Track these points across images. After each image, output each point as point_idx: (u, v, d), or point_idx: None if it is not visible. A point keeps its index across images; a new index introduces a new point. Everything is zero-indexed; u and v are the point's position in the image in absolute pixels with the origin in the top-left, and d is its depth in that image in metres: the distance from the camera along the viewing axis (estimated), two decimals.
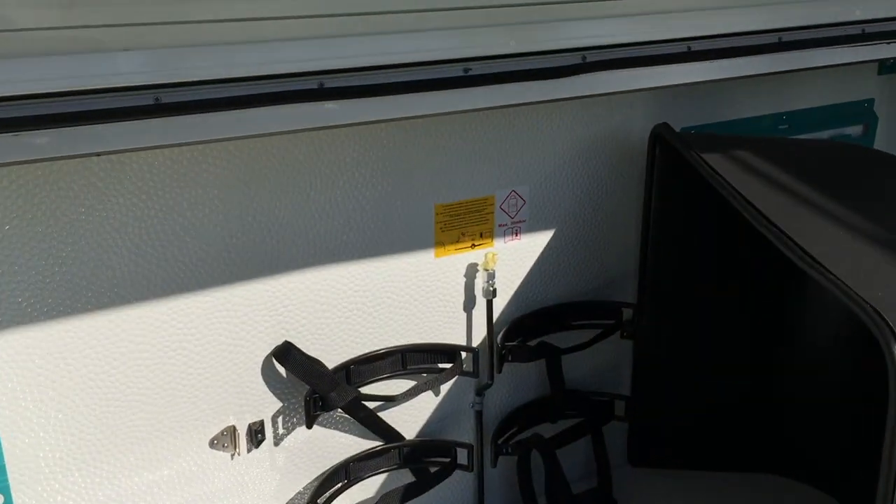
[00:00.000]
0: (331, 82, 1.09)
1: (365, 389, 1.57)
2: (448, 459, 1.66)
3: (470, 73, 1.23)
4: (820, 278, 1.08)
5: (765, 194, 1.36)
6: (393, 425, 1.64)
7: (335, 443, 1.59)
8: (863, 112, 2.07)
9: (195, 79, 1.04)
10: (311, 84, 1.09)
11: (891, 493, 0.97)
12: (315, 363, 1.47)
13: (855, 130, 2.09)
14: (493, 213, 1.62)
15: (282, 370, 1.47)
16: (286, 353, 1.43)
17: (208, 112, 1.06)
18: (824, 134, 2.03)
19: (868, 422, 1.21)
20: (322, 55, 1.09)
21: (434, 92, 1.18)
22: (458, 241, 1.60)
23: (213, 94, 1.07)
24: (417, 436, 1.69)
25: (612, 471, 1.92)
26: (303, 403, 1.45)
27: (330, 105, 1.10)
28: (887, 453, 0.96)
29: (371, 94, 1.11)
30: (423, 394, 1.66)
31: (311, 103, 1.10)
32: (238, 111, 1.09)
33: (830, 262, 1.11)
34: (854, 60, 1.64)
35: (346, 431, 1.60)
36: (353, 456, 1.59)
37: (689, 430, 1.93)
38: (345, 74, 1.11)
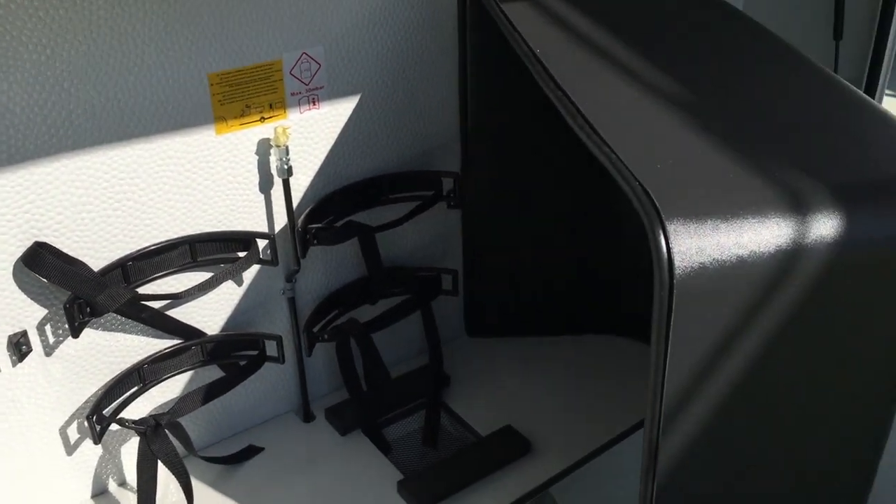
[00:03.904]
0: None
1: (151, 287, 1.41)
2: (256, 352, 1.54)
3: None
4: (595, 149, 0.95)
5: (567, 52, 1.21)
6: (194, 321, 1.50)
7: (125, 346, 1.44)
8: None
9: None
10: None
11: (660, 381, 0.89)
12: (76, 265, 1.29)
13: None
14: (282, 80, 1.43)
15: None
16: (36, 257, 1.25)
17: None
18: None
19: None
20: None
21: None
22: (242, 115, 1.41)
23: None
24: (224, 330, 1.55)
25: (450, 343, 1.86)
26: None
27: None
28: (655, 347, 0.88)
29: None
30: (228, 285, 1.51)
31: None
32: None
33: (612, 132, 0.98)
34: None
35: (136, 333, 1.45)
36: (147, 357, 1.45)
37: (526, 297, 1.86)
38: None
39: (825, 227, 0.89)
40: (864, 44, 2.13)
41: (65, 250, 1.30)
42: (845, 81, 1.15)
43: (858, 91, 1.12)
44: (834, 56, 2.13)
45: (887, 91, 2.28)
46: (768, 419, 1.00)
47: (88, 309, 1.30)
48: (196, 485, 1.49)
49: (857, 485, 1.12)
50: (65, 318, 1.33)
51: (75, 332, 1.30)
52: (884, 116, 1.06)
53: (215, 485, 1.53)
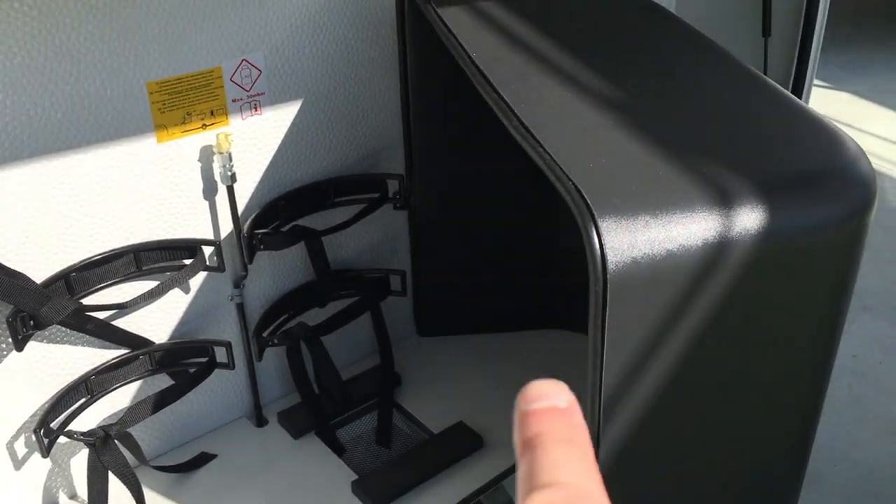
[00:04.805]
0: None
1: (96, 297, 1.40)
2: (206, 359, 1.54)
3: None
4: (530, 150, 0.97)
5: (502, 55, 1.23)
6: (141, 331, 1.49)
7: (71, 358, 1.43)
8: None
9: None
10: None
11: (598, 375, 0.93)
12: (17, 277, 1.28)
13: None
14: (222, 86, 1.43)
15: None
16: None
17: None
18: None
19: None
20: None
21: None
22: (184, 123, 1.41)
23: None
24: (172, 338, 1.55)
25: (401, 343, 1.88)
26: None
27: None
28: (592, 341, 0.91)
29: None
30: (175, 293, 1.51)
31: None
32: None
33: (546, 133, 1.01)
34: None
35: (82, 344, 1.44)
36: (94, 369, 1.44)
37: (475, 295, 1.89)
38: None
39: (749, 219, 0.93)
40: (791, 40, 2.21)
41: (5, 263, 1.28)
42: (770, 80, 1.20)
43: (782, 89, 1.17)
44: (763, 52, 2.20)
45: (816, 81, 2.37)
46: (703, 403, 1.04)
47: (32, 322, 1.29)
48: (148, 494, 1.48)
49: (792, 460, 1.17)
50: (8, 332, 1.31)
51: (19, 346, 1.29)
52: (805, 113, 1.11)
53: (168, 494, 1.53)
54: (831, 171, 1.00)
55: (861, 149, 1.03)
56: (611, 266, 0.87)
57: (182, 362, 1.54)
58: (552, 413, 0.33)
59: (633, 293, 0.89)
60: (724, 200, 0.93)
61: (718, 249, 0.91)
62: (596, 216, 0.87)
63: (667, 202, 0.92)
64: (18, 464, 1.43)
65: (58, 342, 1.40)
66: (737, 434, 1.09)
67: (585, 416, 0.97)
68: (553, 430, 0.33)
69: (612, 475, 0.99)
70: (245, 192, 1.53)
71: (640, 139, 1.01)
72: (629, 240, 0.88)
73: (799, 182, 0.99)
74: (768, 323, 1.01)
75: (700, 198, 0.93)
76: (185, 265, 1.47)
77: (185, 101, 1.39)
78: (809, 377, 1.08)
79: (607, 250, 0.86)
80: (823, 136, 1.04)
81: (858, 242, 0.99)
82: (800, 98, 1.73)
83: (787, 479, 1.20)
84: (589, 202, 0.88)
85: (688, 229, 0.91)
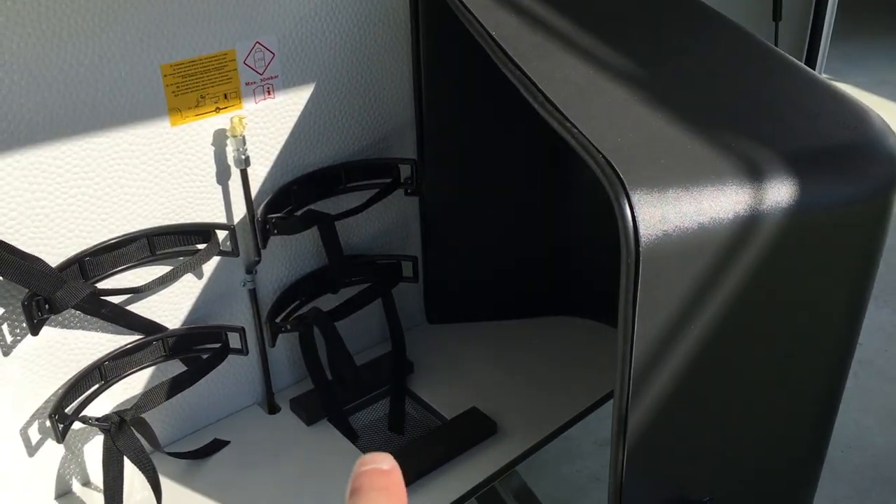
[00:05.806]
0: None
1: (110, 282, 1.39)
2: (219, 345, 1.53)
3: None
4: (558, 126, 0.97)
5: (522, 33, 1.22)
6: (155, 316, 1.48)
7: (85, 343, 1.41)
8: None
9: None
10: None
11: (629, 349, 0.92)
12: (33, 261, 1.27)
13: None
14: (236, 69, 1.42)
15: None
16: None
17: None
18: None
19: None
20: None
21: None
22: (197, 106, 1.40)
23: None
24: (185, 323, 1.54)
25: (411, 331, 1.87)
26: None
27: None
28: (623, 315, 0.90)
29: None
30: (188, 278, 1.50)
31: None
32: None
33: (572, 109, 1.00)
34: None
35: (96, 329, 1.42)
36: (108, 354, 1.43)
37: (485, 283, 1.89)
38: None
39: (779, 192, 0.93)
40: (802, 25, 2.21)
41: (20, 247, 1.27)
42: (791, 57, 1.19)
43: (804, 66, 1.17)
44: (773, 37, 2.20)
45: (824, 75, 2.37)
46: (732, 377, 1.04)
47: (47, 306, 1.28)
48: (162, 481, 1.47)
49: (816, 437, 1.16)
50: (23, 317, 1.30)
51: (34, 330, 1.27)
52: (829, 89, 1.11)
53: (182, 480, 1.52)
54: (858, 145, 1.00)
55: (887, 124, 1.02)
56: (643, 239, 0.86)
57: (195, 348, 1.53)
58: (375, 472, 0.44)
59: (664, 266, 0.88)
60: (753, 174, 0.93)
61: (749, 223, 0.91)
62: (628, 189, 0.87)
63: (696, 176, 0.91)
64: (32, 450, 1.41)
65: (72, 327, 1.39)
66: (763, 410, 1.09)
67: (615, 392, 0.97)
68: (373, 482, 0.43)
69: (640, 448, 0.99)
70: (257, 177, 1.52)
71: (666, 114, 1.01)
72: (661, 212, 0.87)
73: (827, 156, 0.99)
74: (796, 297, 1.00)
75: (729, 171, 0.93)
76: (199, 250, 1.46)
77: (199, 84, 1.38)
78: (834, 353, 1.08)
79: (639, 223, 0.86)
80: (849, 111, 1.04)
81: (885, 217, 0.98)
82: None
83: (809, 457, 1.19)
84: (621, 175, 0.87)
85: (718, 203, 0.90)
